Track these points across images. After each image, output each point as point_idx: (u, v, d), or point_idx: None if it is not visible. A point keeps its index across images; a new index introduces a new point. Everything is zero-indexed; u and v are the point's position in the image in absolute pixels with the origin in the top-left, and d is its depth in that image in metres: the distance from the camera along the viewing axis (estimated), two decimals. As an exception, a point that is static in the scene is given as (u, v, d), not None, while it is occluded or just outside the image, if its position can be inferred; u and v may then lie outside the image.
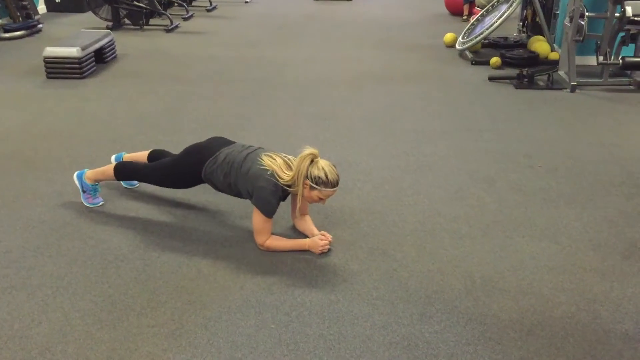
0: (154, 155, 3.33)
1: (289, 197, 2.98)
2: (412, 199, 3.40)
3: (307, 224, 2.98)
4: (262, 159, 2.80)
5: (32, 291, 2.53)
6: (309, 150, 2.74)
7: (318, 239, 2.83)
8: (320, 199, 2.78)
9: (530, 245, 2.93)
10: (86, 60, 5.67)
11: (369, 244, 2.93)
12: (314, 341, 2.27)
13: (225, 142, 3.05)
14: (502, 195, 3.44)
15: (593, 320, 2.41)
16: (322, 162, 2.75)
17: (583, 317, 2.42)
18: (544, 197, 3.44)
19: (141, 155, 3.37)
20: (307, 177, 2.72)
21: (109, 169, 3.20)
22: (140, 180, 3.31)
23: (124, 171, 3.21)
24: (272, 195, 2.76)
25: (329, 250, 2.85)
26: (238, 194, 2.93)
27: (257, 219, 2.79)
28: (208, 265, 2.73)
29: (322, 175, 2.71)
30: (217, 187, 2.99)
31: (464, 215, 3.22)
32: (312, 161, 2.73)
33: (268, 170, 2.77)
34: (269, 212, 2.78)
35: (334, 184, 2.75)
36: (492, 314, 2.43)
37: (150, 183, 3.23)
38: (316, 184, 2.72)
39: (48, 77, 5.60)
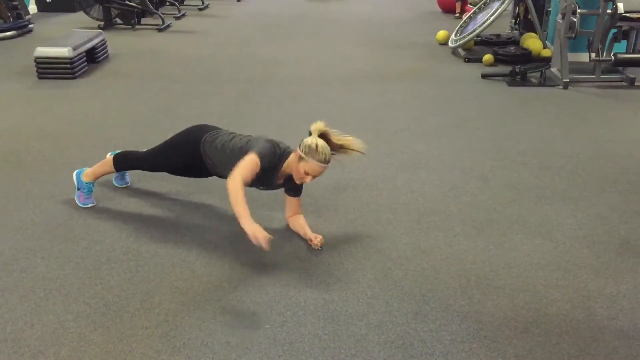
0: (118, 160, 3.22)
1: (284, 200, 2.99)
2: (406, 197, 3.39)
3: (300, 223, 2.97)
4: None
5: (24, 293, 2.51)
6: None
7: (260, 230, 2.48)
8: (307, 174, 2.73)
9: (524, 243, 2.93)
10: (78, 60, 5.64)
11: (363, 242, 2.92)
12: (308, 341, 2.26)
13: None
14: (496, 193, 3.44)
15: (588, 317, 2.41)
16: (319, 140, 2.73)
17: (578, 314, 2.42)
18: (538, 194, 3.44)
19: (105, 163, 3.24)
20: (299, 146, 2.72)
21: (107, 161, 3.20)
22: (140, 167, 3.26)
23: (124, 161, 3.20)
24: (268, 143, 2.78)
25: (322, 249, 2.85)
26: (232, 158, 2.80)
27: (246, 157, 2.69)
28: (202, 266, 2.72)
29: (312, 145, 2.69)
30: (210, 158, 2.93)
31: (458, 213, 3.22)
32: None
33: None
34: (261, 148, 2.72)
35: (322, 160, 2.70)
36: (486, 312, 2.43)
37: (149, 168, 3.20)
38: (305, 153, 2.69)
39: (39, 78, 5.56)
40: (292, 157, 2.79)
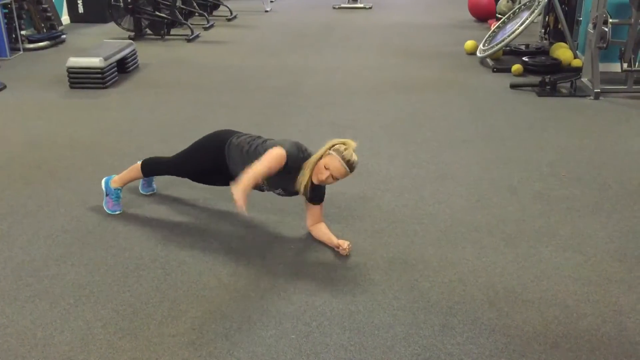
0: (146, 165, 3.26)
1: (305, 210, 3.00)
2: (433, 208, 3.37)
3: (324, 231, 2.97)
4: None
5: (54, 300, 2.55)
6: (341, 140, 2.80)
7: (242, 200, 2.62)
8: (327, 168, 2.74)
9: (554, 256, 2.89)
10: (109, 70, 5.73)
11: (389, 253, 2.91)
12: (334, 352, 2.25)
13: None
14: (525, 205, 3.40)
15: (619, 332, 2.36)
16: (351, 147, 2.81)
17: (609, 329, 2.38)
18: (568, 206, 3.39)
19: (133, 169, 3.30)
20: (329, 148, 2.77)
21: (135, 167, 3.26)
22: (167, 172, 3.30)
23: (151, 166, 3.25)
24: (295, 144, 2.82)
25: (349, 257, 2.84)
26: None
27: (273, 150, 2.76)
28: (228, 275, 2.74)
29: (341, 147, 2.76)
30: (235, 162, 2.94)
31: (486, 224, 3.18)
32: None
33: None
34: (289, 147, 2.78)
35: (346, 159, 2.74)
36: (515, 325, 2.39)
37: (175, 172, 3.23)
38: (335, 151, 2.75)
39: (71, 87, 5.67)
40: (313, 157, 2.81)
